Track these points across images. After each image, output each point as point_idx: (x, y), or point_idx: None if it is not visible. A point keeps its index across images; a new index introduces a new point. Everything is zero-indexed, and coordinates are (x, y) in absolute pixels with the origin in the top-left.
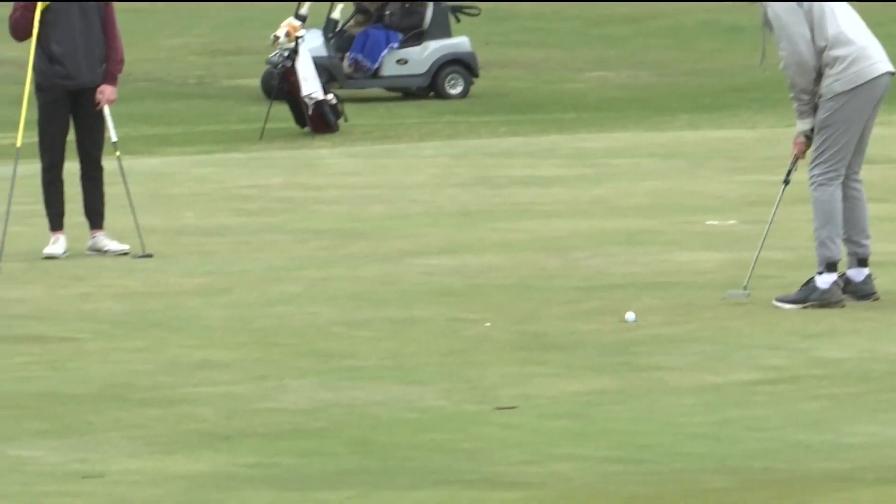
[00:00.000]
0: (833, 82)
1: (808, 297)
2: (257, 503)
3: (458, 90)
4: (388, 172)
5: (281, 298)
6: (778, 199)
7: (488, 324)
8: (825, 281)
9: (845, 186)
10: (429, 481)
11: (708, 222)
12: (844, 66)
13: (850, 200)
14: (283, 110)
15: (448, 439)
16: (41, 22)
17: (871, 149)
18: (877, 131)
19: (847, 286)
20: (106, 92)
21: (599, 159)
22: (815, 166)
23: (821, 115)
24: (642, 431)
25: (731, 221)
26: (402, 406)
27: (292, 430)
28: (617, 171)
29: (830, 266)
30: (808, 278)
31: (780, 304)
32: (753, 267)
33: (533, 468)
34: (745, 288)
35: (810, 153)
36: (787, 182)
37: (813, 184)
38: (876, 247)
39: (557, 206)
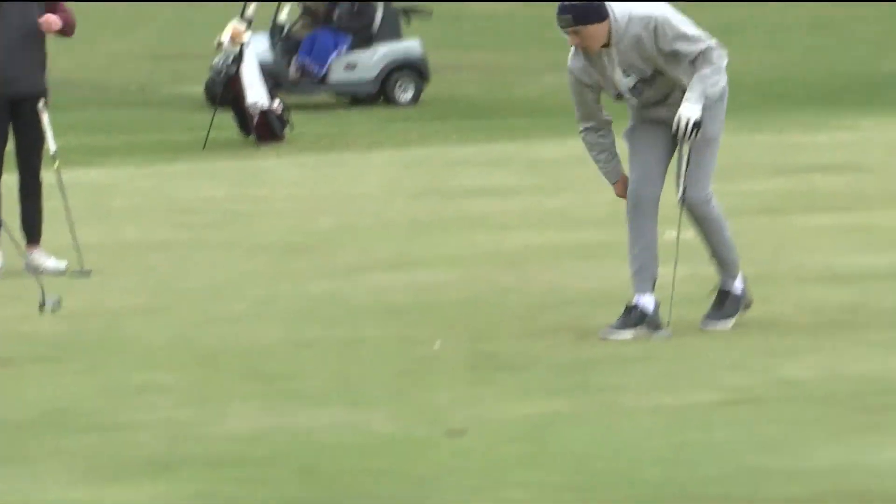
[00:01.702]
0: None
1: (737, 308)
2: None
3: (408, 96)
4: (336, 183)
5: (224, 317)
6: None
7: (439, 343)
8: (739, 286)
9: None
10: None
11: (667, 235)
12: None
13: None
14: (227, 118)
15: (396, 465)
16: None
17: (837, 156)
18: (842, 137)
19: (642, 319)
20: (50, 18)
21: (556, 168)
22: (707, 182)
23: (708, 122)
24: (598, 456)
25: (693, 233)
26: (348, 431)
27: (235, 457)
28: (575, 180)
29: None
30: (718, 292)
31: (716, 326)
32: (672, 302)
33: (484, 495)
34: (668, 324)
35: (684, 161)
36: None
37: (706, 203)
38: (843, 259)
39: (512, 218)
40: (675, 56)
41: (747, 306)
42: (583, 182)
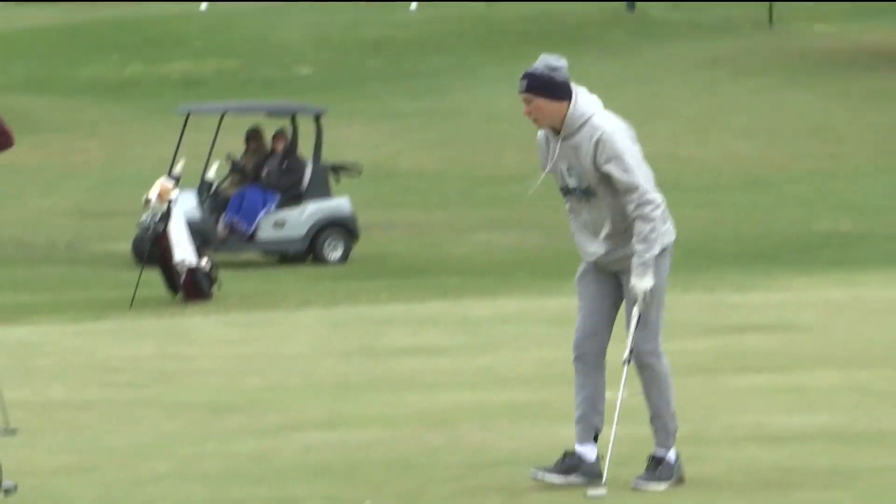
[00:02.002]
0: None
1: (671, 475)
2: None
3: (337, 254)
4: (264, 342)
5: (151, 477)
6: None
7: (367, 503)
8: (673, 456)
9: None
10: None
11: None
12: (663, 208)
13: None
14: (155, 276)
15: None
16: None
17: (769, 316)
18: (775, 297)
19: (578, 467)
20: None
21: (485, 327)
22: (655, 335)
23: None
24: None
25: (622, 392)
26: None
27: None
28: (504, 339)
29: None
30: (653, 458)
31: (647, 487)
32: (609, 458)
33: None
34: (604, 483)
35: (633, 321)
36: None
37: (653, 355)
38: (775, 419)
39: (441, 377)
40: (607, 179)
41: (680, 480)
42: (513, 341)
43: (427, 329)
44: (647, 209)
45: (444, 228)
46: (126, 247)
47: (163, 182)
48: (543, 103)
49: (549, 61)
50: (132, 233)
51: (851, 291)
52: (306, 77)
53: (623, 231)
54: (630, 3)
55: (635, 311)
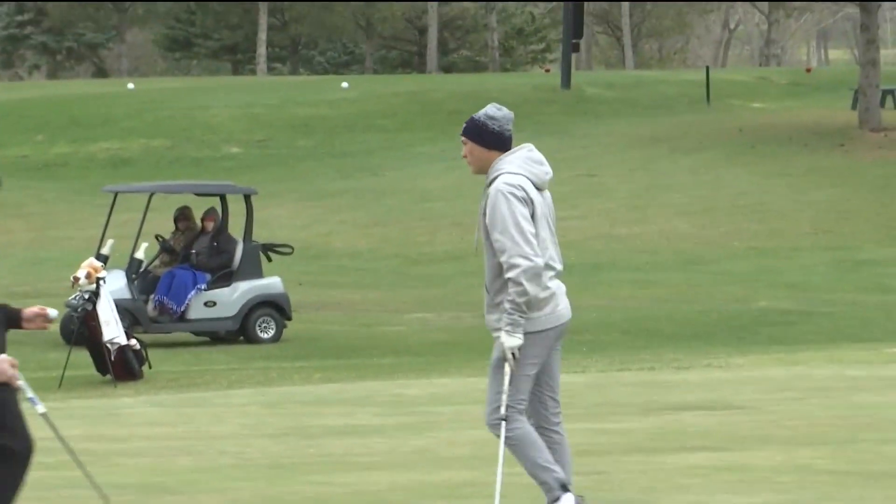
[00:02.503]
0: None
1: None
2: None
3: (269, 334)
4: (195, 422)
5: None
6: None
7: None
8: (567, 499)
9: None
10: None
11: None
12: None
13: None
14: (83, 356)
15: None
16: None
17: (708, 395)
18: (714, 375)
19: None
20: None
21: (420, 407)
22: (496, 404)
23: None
24: None
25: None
26: None
27: None
28: (439, 419)
29: (564, 486)
30: None
31: None
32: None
33: None
34: None
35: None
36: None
37: (497, 425)
38: (716, 499)
39: (376, 458)
40: (490, 237)
41: None
42: (447, 421)
43: (361, 409)
44: (513, 273)
45: (377, 308)
46: (53, 327)
47: (91, 262)
48: (475, 148)
49: (490, 111)
50: (60, 313)
51: (791, 370)
52: (235, 156)
53: (497, 290)
54: (565, 81)
55: (506, 370)
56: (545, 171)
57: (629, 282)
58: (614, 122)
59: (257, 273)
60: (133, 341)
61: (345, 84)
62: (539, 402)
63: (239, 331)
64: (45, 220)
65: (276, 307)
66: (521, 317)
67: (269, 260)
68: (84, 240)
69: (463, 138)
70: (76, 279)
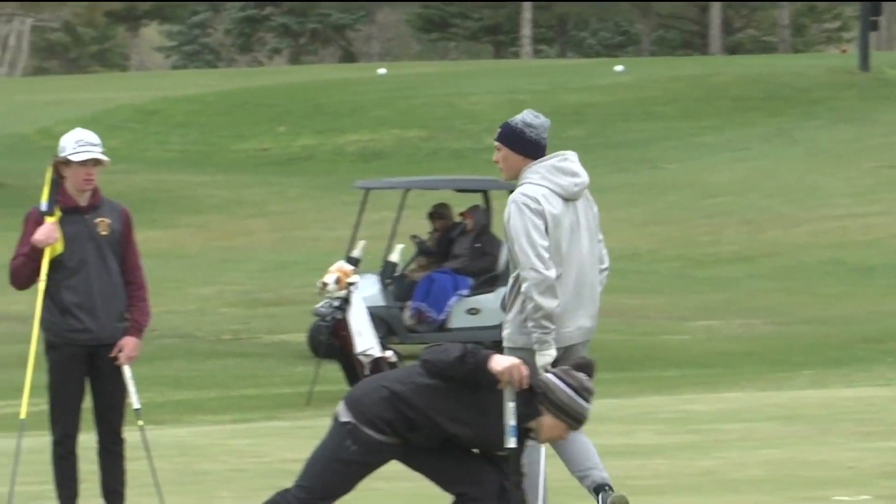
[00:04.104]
0: None
1: None
2: None
3: None
4: None
5: None
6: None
7: None
8: None
9: None
10: None
11: (836, 498)
12: None
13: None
14: (333, 370)
15: None
16: (51, 268)
17: None
18: None
19: None
20: (128, 346)
21: (707, 424)
22: None
23: None
24: None
25: (864, 497)
26: None
27: None
28: (727, 437)
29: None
30: None
31: None
32: None
33: None
34: None
35: None
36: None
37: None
38: None
39: (657, 481)
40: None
41: None
42: (737, 439)
43: (641, 427)
44: (525, 286)
45: (658, 315)
46: (301, 338)
47: (341, 265)
48: (509, 155)
49: (528, 118)
50: (307, 322)
51: None
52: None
53: (509, 305)
54: (863, 62)
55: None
56: (575, 182)
57: None
58: None
59: None
60: (388, 353)
61: (619, 67)
62: None
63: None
64: (288, 220)
65: None
66: (544, 334)
67: None
68: (332, 241)
69: (497, 143)
70: (324, 285)
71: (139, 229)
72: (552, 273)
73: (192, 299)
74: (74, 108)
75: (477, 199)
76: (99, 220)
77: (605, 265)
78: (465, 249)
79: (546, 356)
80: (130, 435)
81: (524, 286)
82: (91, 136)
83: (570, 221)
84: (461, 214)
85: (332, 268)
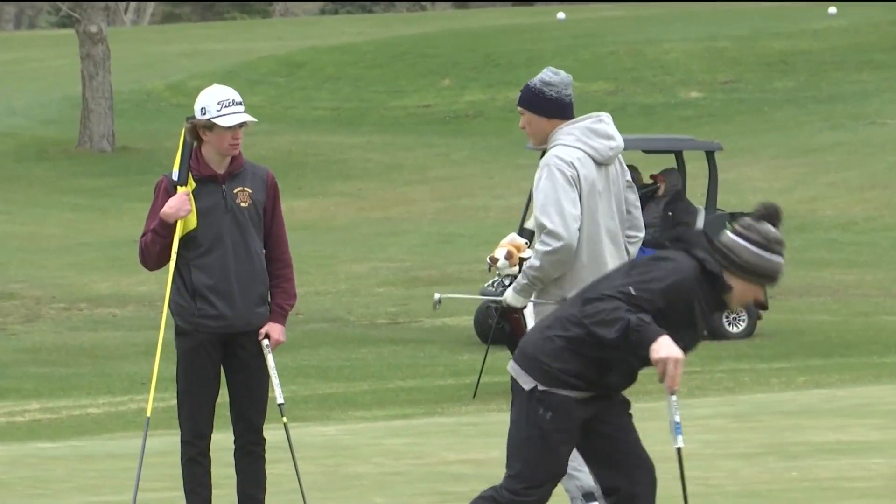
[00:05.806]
0: None
1: None
2: None
3: (740, 327)
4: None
5: None
6: None
7: None
8: None
9: None
10: None
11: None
12: None
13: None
14: (503, 358)
15: None
16: (183, 245)
17: None
18: None
19: None
20: (274, 332)
21: None
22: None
23: None
24: None
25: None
26: None
27: None
28: None
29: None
30: None
31: None
32: None
33: None
34: None
35: None
36: None
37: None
38: None
39: (875, 483)
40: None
41: None
42: None
43: (857, 421)
44: (542, 248)
45: (877, 292)
46: (467, 321)
47: (513, 239)
48: (533, 118)
49: (546, 76)
50: (474, 304)
51: None
52: (695, 102)
53: None
54: None
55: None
56: (609, 145)
57: None
58: None
59: None
60: None
61: (832, 10)
62: None
63: None
64: (454, 187)
65: None
66: (529, 285)
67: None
68: (503, 210)
69: (519, 108)
70: (494, 260)
71: (283, 198)
72: (573, 245)
73: (343, 278)
74: (210, 60)
75: (670, 160)
76: (239, 189)
77: (638, 235)
78: (655, 218)
79: (516, 299)
80: (272, 434)
81: (538, 245)
82: (235, 94)
83: (600, 187)
84: (652, 177)
85: (503, 241)
